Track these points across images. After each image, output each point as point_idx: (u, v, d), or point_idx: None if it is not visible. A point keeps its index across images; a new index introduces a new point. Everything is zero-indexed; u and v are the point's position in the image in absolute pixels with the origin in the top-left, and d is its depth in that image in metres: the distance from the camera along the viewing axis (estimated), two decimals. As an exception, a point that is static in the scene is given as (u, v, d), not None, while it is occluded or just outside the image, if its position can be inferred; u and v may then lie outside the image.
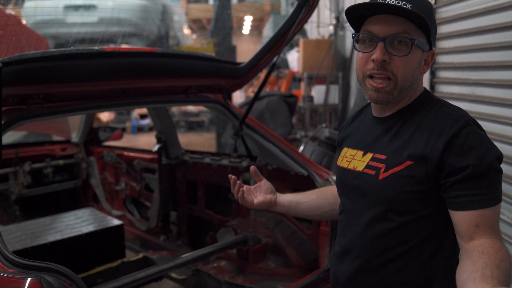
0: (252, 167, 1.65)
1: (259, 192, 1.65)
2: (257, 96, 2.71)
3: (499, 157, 1.21)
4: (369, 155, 1.33)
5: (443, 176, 1.20)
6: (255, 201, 1.62)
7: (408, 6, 1.20)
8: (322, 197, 1.66)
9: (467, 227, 1.20)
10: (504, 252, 1.14)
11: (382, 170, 1.27)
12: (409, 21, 1.22)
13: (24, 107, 2.02)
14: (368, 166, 1.32)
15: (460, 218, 1.20)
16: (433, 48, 1.32)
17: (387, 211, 1.27)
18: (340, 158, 1.46)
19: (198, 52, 2.75)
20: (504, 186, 2.45)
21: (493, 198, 1.18)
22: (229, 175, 1.63)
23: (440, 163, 1.19)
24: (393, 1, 1.22)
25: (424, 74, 1.37)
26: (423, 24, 1.21)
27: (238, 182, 1.60)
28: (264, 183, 1.66)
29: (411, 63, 1.24)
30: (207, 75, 2.57)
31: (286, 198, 1.67)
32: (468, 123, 1.20)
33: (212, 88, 2.70)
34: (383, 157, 1.29)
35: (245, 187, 1.63)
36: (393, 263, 1.28)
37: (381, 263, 1.29)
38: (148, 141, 10.69)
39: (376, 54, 1.23)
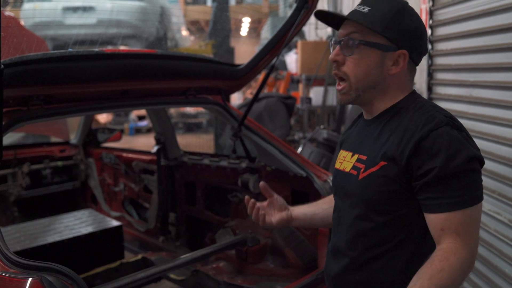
0: (262, 184, 1.63)
1: (274, 210, 1.64)
2: (256, 98, 2.72)
3: (474, 157, 1.19)
4: (355, 156, 1.38)
5: (413, 179, 1.22)
6: (273, 220, 1.62)
7: (366, 9, 1.28)
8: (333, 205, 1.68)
9: (434, 230, 1.22)
10: (451, 261, 1.15)
11: (362, 170, 1.32)
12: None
13: (24, 109, 2.03)
14: (353, 167, 1.36)
15: (429, 221, 1.23)
16: (403, 50, 1.29)
17: (366, 210, 1.31)
18: (337, 160, 1.50)
19: (197, 54, 2.77)
20: (502, 187, 2.46)
21: (463, 201, 1.18)
22: (246, 197, 1.63)
23: (408, 165, 1.21)
24: (360, 5, 1.31)
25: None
26: (370, 27, 1.26)
27: (257, 205, 1.61)
28: (277, 199, 1.65)
29: (363, 64, 1.29)
30: (206, 76, 2.59)
31: (300, 211, 1.67)
32: (439, 124, 1.20)
33: (211, 89, 2.71)
34: (364, 157, 1.34)
35: (259, 205, 1.62)
36: (375, 262, 1.31)
37: (364, 262, 1.33)
38: (146, 143, 10.68)
39: (331, 55, 1.34)
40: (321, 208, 1.68)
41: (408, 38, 1.29)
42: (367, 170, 1.30)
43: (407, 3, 1.32)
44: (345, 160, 1.42)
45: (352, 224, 1.35)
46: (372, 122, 1.38)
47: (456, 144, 1.18)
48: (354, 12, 1.30)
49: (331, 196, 1.70)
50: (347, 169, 1.38)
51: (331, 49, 1.38)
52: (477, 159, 1.20)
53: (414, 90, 1.39)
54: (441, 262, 1.15)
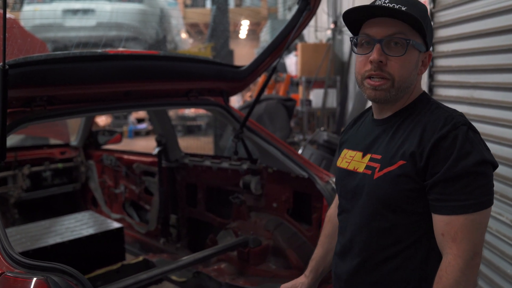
0: None
1: None
2: (258, 99, 2.73)
3: (485, 161, 1.17)
4: (368, 156, 1.36)
5: (427, 177, 1.22)
6: None
7: (403, 8, 1.23)
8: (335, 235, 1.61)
9: (437, 235, 1.22)
10: (443, 282, 1.16)
11: (377, 169, 1.30)
12: (404, 22, 1.25)
13: (27, 110, 2.03)
14: (366, 167, 1.35)
15: (434, 224, 1.23)
16: (430, 50, 1.34)
17: (382, 209, 1.30)
18: (339, 159, 1.49)
19: (199, 56, 2.77)
20: (504, 188, 2.47)
21: (467, 205, 1.16)
22: None
23: (426, 164, 1.21)
24: (388, 4, 1.25)
25: (423, 77, 1.40)
26: (418, 25, 1.24)
27: None
28: None
29: (408, 64, 1.27)
30: (208, 78, 2.59)
31: (313, 265, 1.67)
32: (457, 125, 1.20)
33: (213, 91, 2.72)
34: (378, 157, 1.32)
35: None
36: (390, 262, 1.30)
37: (379, 262, 1.32)
38: (145, 145, 10.68)
39: (373, 56, 1.26)
40: (328, 246, 1.63)
41: (431, 37, 1.33)
42: (384, 169, 1.28)
43: None
44: (354, 160, 1.40)
45: (366, 224, 1.33)
46: (385, 121, 1.37)
47: (468, 145, 1.18)
48: (392, 10, 1.24)
49: (328, 228, 1.66)
50: (360, 170, 1.36)
51: (356, 49, 1.33)
52: (488, 163, 1.19)
53: (424, 90, 1.40)
54: (436, 284, 1.18)
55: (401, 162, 1.25)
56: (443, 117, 1.23)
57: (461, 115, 1.25)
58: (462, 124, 1.21)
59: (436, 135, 1.20)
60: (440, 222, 1.20)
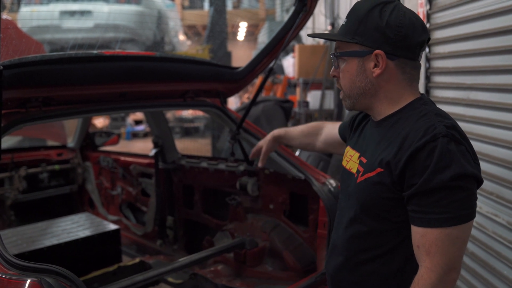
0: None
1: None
2: (254, 101, 2.72)
3: (464, 175, 1.14)
4: (360, 159, 1.38)
5: (404, 188, 1.21)
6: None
7: (345, 21, 1.33)
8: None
9: (413, 245, 1.21)
10: None
11: (361, 173, 1.32)
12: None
13: (22, 111, 2.02)
14: (357, 169, 1.37)
15: (412, 234, 1.22)
16: (378, 50, 1.26)
17: (361, 214, 1.32)
18: (343, 156, 1.51)
19: (196, 57, 2.77)
20: (500, 189, 2.47)
21: (443, 219, 1.14)
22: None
23: (401, 174, 1.19)
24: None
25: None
26: (343, 39, 1.30)
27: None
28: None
29: (347, 74, 1.33)
30: (205, 79, 2.59)
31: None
32: (437, 136, 1.15)
33: (209, 92, 2.72)
34: (365, 161, 1.34)
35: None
36: (368, 265, 1.32)
37: (358, 263, 1.34)
38: (143, 147, 10.66)
39: (330, 72, 1.43)
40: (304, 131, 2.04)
41: (377, 36, 1.25)
42: (365, 175, 1.30)
43: (386, 1, 1.28)
44: (351, 160, 1.42)
45: (349, 225, 1.37)
46: (377, 125, 1.37)
47: (447, 158, 1.14)
48: (324, 36, 1.38)
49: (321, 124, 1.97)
50: (353, 170, 1.38)
51: None
52: (469, 177, 1.15)
53: (423, 95, 1.36)
54: None
55: (379, 170, 1.25)
56: (425, 127, 1.19)
57: (446, 125, 1.19)
58: (443, 135, 1.16)
59: (413, 146, 1.17)
60: (416, 233, 1.19)
